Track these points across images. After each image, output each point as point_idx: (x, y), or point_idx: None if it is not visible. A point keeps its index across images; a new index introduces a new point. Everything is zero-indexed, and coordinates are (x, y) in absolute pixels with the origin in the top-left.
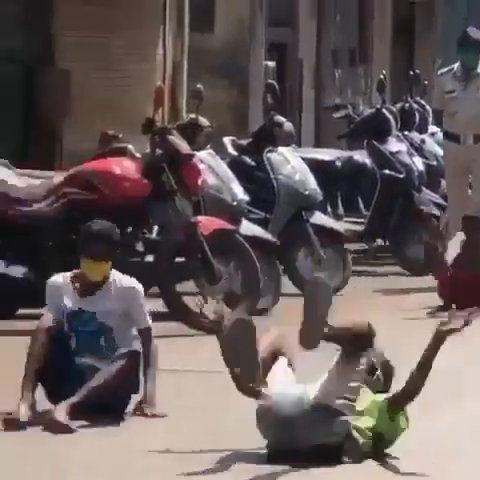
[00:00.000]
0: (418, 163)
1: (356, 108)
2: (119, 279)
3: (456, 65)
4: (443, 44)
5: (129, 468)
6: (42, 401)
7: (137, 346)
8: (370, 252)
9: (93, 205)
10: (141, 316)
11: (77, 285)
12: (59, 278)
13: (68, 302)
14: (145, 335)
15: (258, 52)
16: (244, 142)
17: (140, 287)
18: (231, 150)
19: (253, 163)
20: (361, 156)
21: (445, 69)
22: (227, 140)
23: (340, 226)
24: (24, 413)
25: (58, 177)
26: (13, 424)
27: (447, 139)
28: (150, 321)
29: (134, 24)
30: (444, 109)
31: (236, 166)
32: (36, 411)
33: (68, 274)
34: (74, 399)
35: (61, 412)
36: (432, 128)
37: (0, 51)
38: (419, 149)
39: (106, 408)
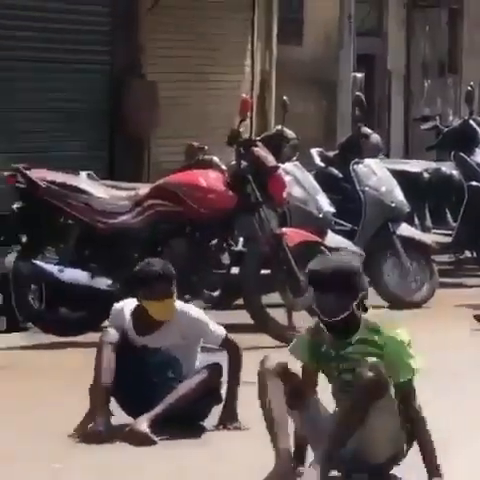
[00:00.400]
0: None
1: (445, 119)
2: (181, 311)
3: None
4: None
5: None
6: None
7: (203, 372)
8: (458, 264)
9: (179, 217)
10: (213, 336)
11: (137, 323)
12: (124, 308)
13: (134, 336)
14: (226, 345)
15: (346, 63)
16: (331, 154)
17: (201, 313)
18: (318, 162)
19: (340, 175)
20: (449, 168)
21: None
22: (314, 151)
23: (428, 238)
24: (104, 425)
25: (144, 189)
26: (95, 437)
27: None
28: (221, 329)
29: (222, 36)
30: None
31: (323, 178)
32: (112, 424)
33: (130, 306)
34: (155, 411)
35: (143, 424)
36: None
37: (87, 63)
38: None
39: (186, 420)
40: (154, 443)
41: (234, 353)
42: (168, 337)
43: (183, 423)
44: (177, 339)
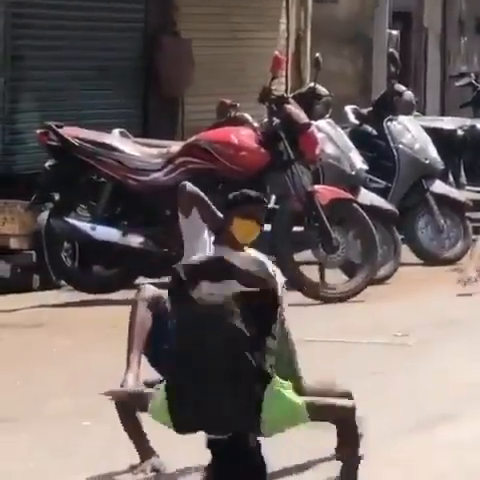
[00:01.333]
0: None
1: None
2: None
3: None
4: None
5: None
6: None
7: None
8: None
9: (211, 174)
10: None
11: None
12: None
13: None
14: None
15: (382, 21)
16: (365, 111)
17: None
18: (352, 119)
19: (374, 132)
20: None
21: None
22: (349, 109)
23: (462, 195)
24: (132, 383)
25: (175, 146)
26: (122, 394)
27: None
28: None
29: None
30: None
31: (357, 135)
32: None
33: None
34: None
35: None
36: None
37: (121, 21)
38: None
39: None
40: None
41: None
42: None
43: None
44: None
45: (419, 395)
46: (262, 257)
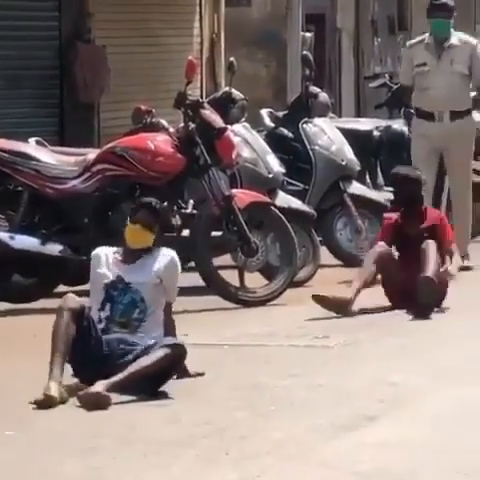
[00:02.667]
0: None
1: (396, 77)
2: (164, 253)
3: (427, 35)
4: None
5: (163, 441)
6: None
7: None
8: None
9: (128, 181)
10: (172, 291)
11: (120, 256)
12: (103, 249)
13: (107, 271)
14: (168, 309)
15: (295, 23)
16: (281, 114)
17: (178, 261)
18: (268, 122)
19: (290, 135)
20: (400, 125)
21: (415, 40)
22: (264, 112)
23: (379, 196)
24: (55, 390)
25: (92, 154)
26: (46, 402)
27: (418, 117)
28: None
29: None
30: (411, 85)
31: (273, 138)
32: (63, 389)
33: (113, 248)
34: (114, 379)
35: (97, 388)
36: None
37: (36, 30)
38: None
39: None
40: (108, 404)
41: (170, 318)
42: (144, 271)
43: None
44: (151, 276)
45: (342, 396)
46: None
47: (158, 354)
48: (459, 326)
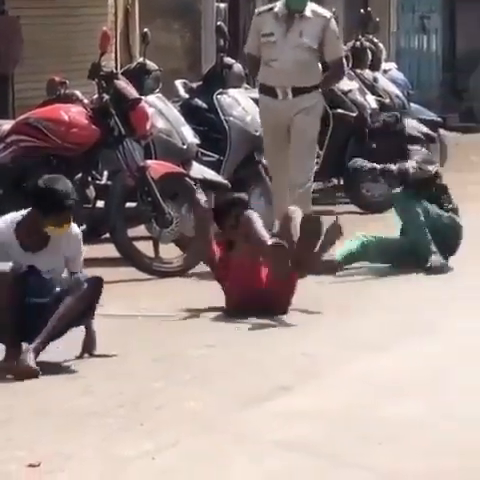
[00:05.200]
0: (371, 101)
1: None
2: (69, 231)
3: (278, 3)
4: None
5: (78, 412)
6: None
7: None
8: (326, 191)
9: (42, 152)
10: (78, 262)
11: (24, 239)
12: (2, 230)
13: (15, 258)
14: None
15: None
16: (195, 85)
17: (80, 236)
18: (182, 93)
19: (204, 105)
20: None
21: (264, 7)
22: (178, 83)
23: None
24: None
25: (6, 125)
26: None
27: (263, 93)
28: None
29: None
30: (258, 55)
31: (188, 109)
32: None
33: (11, 223)
34: (39, 339)
35: (29, 356)
36: (385, 65)
37: None
38: (372, 87)
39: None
40: (37, 374)
41: (96, 286)
42: (54, 255)
43: None
44: (60, 257)
45: (257, 367)
46: None
47: (76, 294)
48: (371, 298)
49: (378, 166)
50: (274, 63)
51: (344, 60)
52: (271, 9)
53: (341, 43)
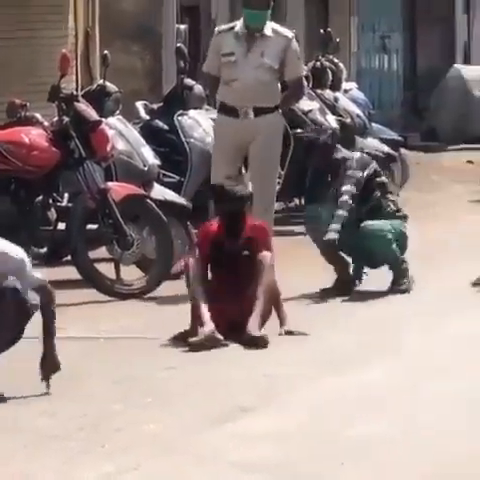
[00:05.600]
0: (331, 121)
1: None
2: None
3: (239, 23)
4: (358, 1)
5: (41, 433)
6: None
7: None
8: (287, 211)
9: (3, 175)
10: (31, 278)
11: None
12: None
13: None
14: (41, 290)
15: (170, 16)
16: (156, 106)
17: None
18: (143, 114)
19: (165, 127)
20: None
21: (224, 26)
22: (139, 104)
23: None
24: None
25: None
26: None
27: (222, 113)
28: (39, 274)
29: None
30: (217, 75)
31: (148, 130)
32: None
33: None
34: None
35: None
36: (345, 85)
37: None
38: (332, 107)
39: None
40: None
41: (48, 300)
42: None
43: None
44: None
45: (217, 388)
46: None
47: None
48: (331, 318)
49: (344, 213)
50: (235, 83)
51: (304, 80)
52: (231, 28)
53: (302, 63)
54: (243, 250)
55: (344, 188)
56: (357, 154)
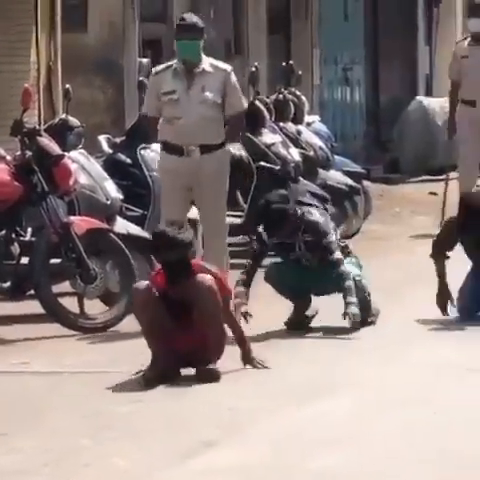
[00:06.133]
0: (294, 154)
1: None
2: None
3: (175, 61)
4: (320, 33)
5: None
6: None
7: None
8: (250, 245)
9: None
10: None
11: None
12: None
13: None
14: None
15: (132, 49)
16: (118, 140)
17: None
18: (106, 148)
19: (128, 160)
20: (237, 149)
21: (161, 66)
22: (102, 138)
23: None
24: None
25: None
26: None
27: (165, 151)
28: None
29: (5, 26)
30: (158, 115)
31: (111, 164)
32: None
33: None
34: None
35: None
36: (308, 118)
37: None
38: (295, 140)
39: None
40: None
41: None
42: None
43: None
44: None
45: (181, 423)
46: None
47: None
48: (293, 351)
49: (350, 282)
50: (179, 121)
51: (243, 114)
52: (169, 67)
53: (242, 97)
54: (187, 296)
55: (333, 248)
56: (321, 218)
